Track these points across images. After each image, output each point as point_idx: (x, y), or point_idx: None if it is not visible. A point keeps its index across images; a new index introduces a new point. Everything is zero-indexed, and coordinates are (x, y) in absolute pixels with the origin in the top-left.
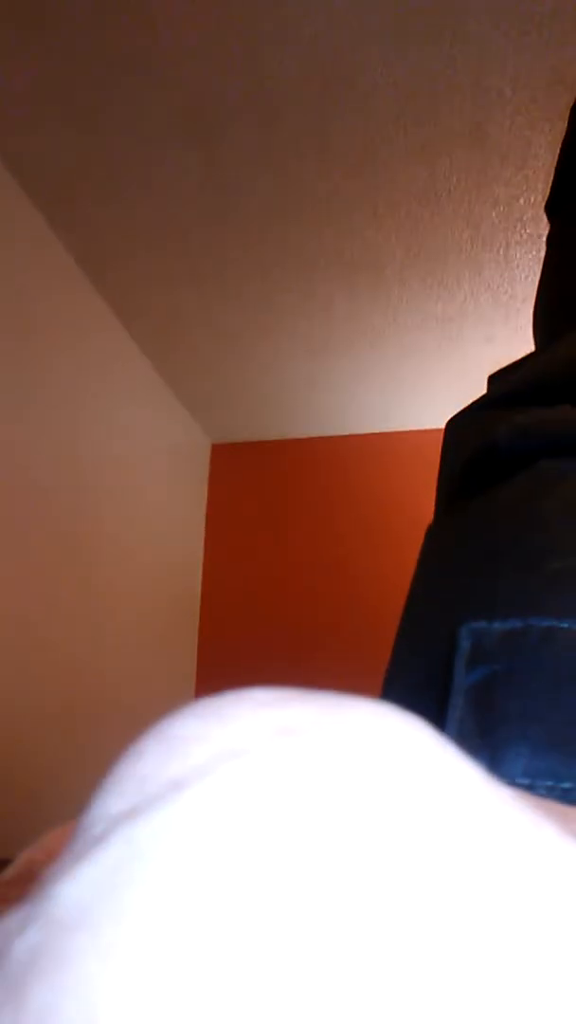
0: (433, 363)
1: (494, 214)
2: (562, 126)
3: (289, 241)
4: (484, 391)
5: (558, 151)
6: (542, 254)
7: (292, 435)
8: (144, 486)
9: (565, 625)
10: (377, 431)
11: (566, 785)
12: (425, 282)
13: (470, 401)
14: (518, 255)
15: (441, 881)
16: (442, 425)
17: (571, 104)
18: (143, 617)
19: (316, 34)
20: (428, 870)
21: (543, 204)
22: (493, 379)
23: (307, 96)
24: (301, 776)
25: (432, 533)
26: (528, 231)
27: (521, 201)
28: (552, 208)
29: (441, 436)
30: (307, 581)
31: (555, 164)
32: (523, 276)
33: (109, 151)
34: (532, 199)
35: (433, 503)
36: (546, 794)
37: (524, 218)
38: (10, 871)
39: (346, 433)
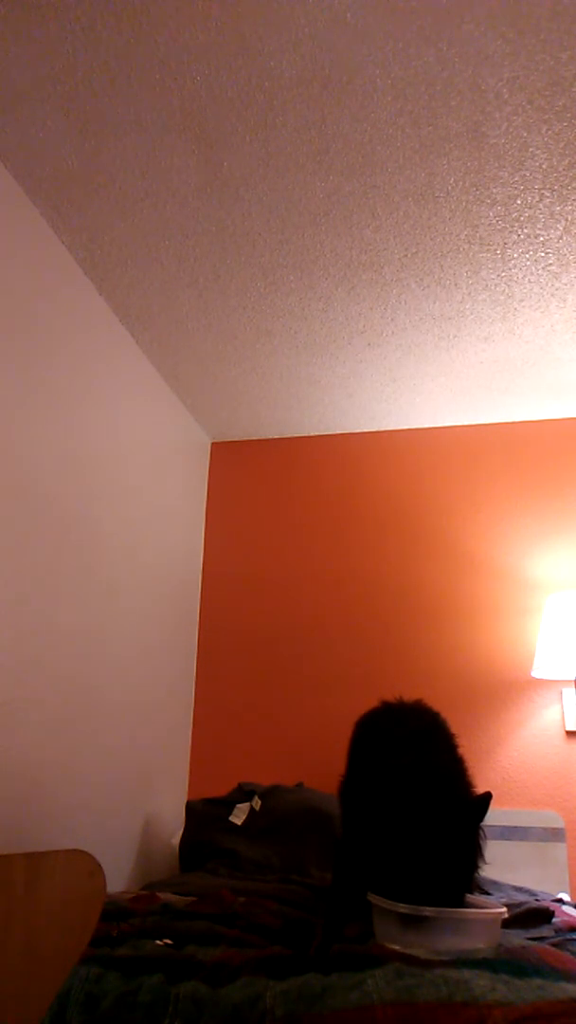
0: (431, 362)
1: (491, 214)
2: (559, 127)
3: (288, 241)
4: (481, 389)
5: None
6: (540, 254)
7: (290, 433)
8: (146, 483)
9: None
10: (375, 430)
11: None
12: (423, 282)
13: (468, 400)
14: (516, 255)
15: None
16: (439, 423)
17: (568, 105)
18: (146, 606)
19: (316, 35)
20: None
21: (540, 204)
22: None
23: (306, 97)
24: None
25: None
26: (525, 231)
27: (519, 201)
28: None
29: (439, 434)
30: (303, 573)
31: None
32: (520, 276)
33: (110, 153)
34: (529, 200)
35: (430, 500)
36: None
37: (521, 218)
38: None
39: (344, 432)
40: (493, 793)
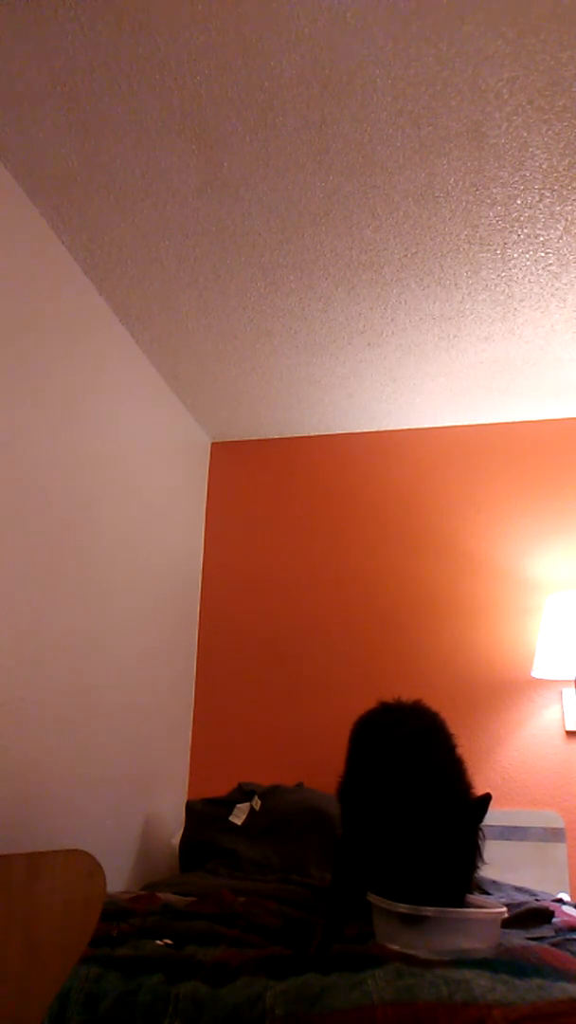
0: (431, 362)
1: (491, 214)
2: (559, 127)
3: (288, 241)
4: (481, 389)
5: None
6: (540, 254)
7: (290, 433)
8: (146, 483)
9: None
10: (375, 430)
11: None
12: (423, 282)
13: (468, 400)
14: (515, 255)
15: None
16: (440, 423)
17: (568, 106)
18: (146, 606)
19: (316, 35)
20: None
21: (540, 204)
22: None
23: (306, 98)
24: None
25: None
26: (525, 231)
27: (518, 201)
28: None
29: (439, 434)
30: (303, 573)
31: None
32: (520, 276)
33: (110, 154)
34: (529, 199)
35: (430, 500)
36: None
37: (521, 218)
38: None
39: (344, 432)
40: (493, 793)
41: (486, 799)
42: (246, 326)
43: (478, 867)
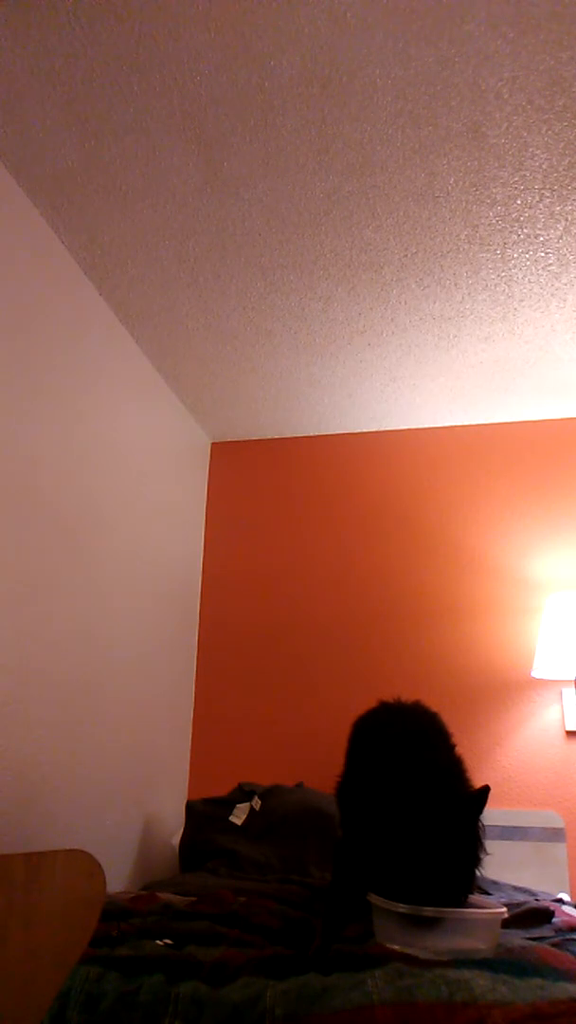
0: (431, 362)
1: (491, 214)
2: (559, 127)
3: (288, 241)
4: (481, 389)
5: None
6: (540, 254)
7: (291, 434)
8: (146, 484)
9: None
10: (375, 430)
11: None
12: (423, 282)
13: (468, 400)
14: (515, 255)
15: None
16: (440, 423)
17: (568, 105)
18: (146, 606)
19: (316, 35)
20: None
21: (540, 204)
22: None
23: (306, 97)
24: None
25: None
26: (525, 231)
27: (518, 201)
28: None
29: (439, 434)
30: (303, 573)
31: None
32: (520, 276)
33: (110, 153)
34: (529, 200)
35: (430, 500)
36: None
37: (521, 218)
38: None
39: (344, 432)
40: (493, 794)
41: (484, 791)
42: (246, 326)
43: (480, 859)
